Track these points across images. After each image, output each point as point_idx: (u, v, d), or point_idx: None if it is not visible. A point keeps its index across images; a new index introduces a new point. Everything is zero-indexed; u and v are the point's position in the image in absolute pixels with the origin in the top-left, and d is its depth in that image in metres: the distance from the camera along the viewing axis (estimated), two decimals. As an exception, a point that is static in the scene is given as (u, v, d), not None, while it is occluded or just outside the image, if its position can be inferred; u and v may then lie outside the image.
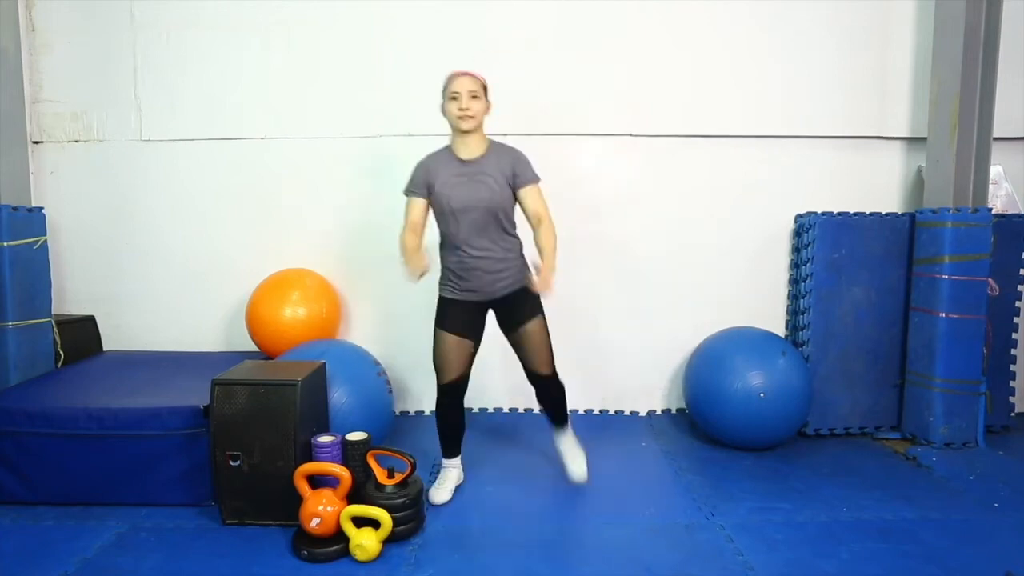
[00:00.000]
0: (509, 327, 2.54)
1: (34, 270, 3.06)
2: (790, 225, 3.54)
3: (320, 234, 3.55)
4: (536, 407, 3.62)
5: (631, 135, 3.48)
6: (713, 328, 3.38)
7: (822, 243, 3.26)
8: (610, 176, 3.52)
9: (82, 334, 3.39)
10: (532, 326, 2.50)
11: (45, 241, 3.14)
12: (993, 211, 3.09)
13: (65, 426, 2.47)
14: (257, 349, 3.32)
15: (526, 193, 2.45)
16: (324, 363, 2.64)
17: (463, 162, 2.43)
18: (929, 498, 2.63)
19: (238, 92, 3.49)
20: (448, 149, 2.50)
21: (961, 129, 3.11)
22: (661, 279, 3.53)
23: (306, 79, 3.48)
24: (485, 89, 2.45)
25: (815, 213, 3.31)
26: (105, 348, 3.51)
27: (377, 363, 3.01)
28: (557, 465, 2.91)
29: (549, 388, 2.61)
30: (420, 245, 2.45)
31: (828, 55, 3.46)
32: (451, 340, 2.49)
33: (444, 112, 2.46)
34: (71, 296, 3.58)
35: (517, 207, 2.50)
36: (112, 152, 3.53)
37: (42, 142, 3.53)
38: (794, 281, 3.50)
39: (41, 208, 3.17)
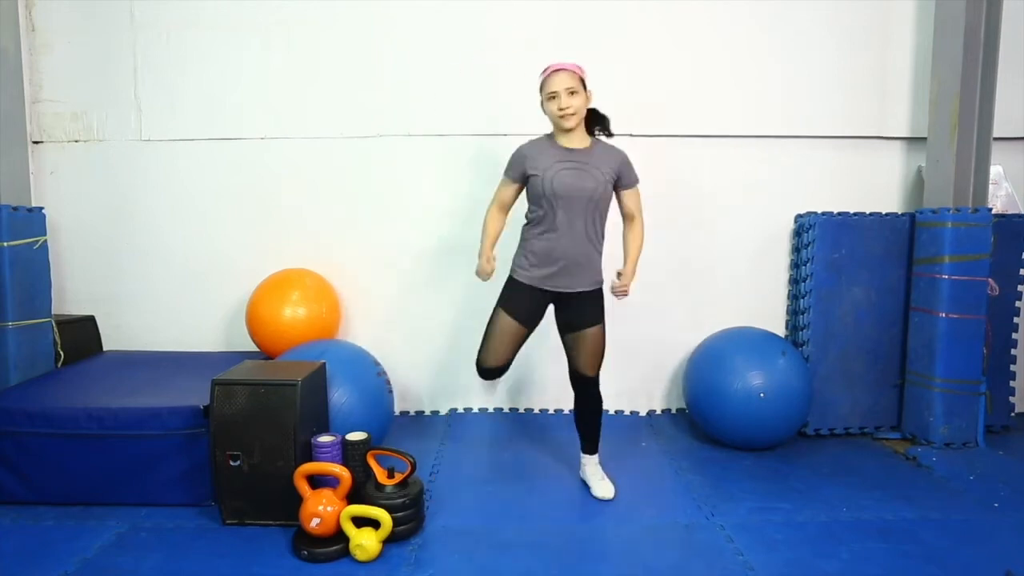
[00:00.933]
0: (569, 328, 2.53)
1: (34, 270, 3.06)
2: (790, 225, 3.54)
3: (320, 234, 3.54)
4: (536, 407, 3.64)
5: (631, 135, 3.47)
6: (713, 328, 3.38)
7: (822, 243, 3.26)
8: (610, 176, 3.52)
9: (82, 334, 3.39)
10: (593, 332, 2.50)
11: (45, 241, 3.14)
12: (993, 211, 3.09)
13: (65, 426, 2.47)
14: (257, 349, 3.32)
15: (629, 194, 2.53)
16: (324, 363, 2.64)
17: (570, 150, 2.43)
18: (929, 498, 2.63)
19: (238, 92, 3.49)
20: (550, 138, 2.49)
21: (961, 129, 3.11)
22: (661, 279, 3.53)
23: (306, 79, 3.48)
24: (583, 82, 2.42)
25: (815, 213, 3.31)
26: (105, 348, 3.51)
27: (377, 363, 3.01)
28: (557, 465, 2.92)
29: (591, 393, 2.59)
30: (498, 235, 2.54)
31: (828, 55, 3.46)
32: (509, 324, 2.46)
33: (544, 110, 2.45)
34: (71, 296, 3.58)
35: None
36: (112, 152, 3.53)
37: (42, 142, 3.53)
38: (794, 281, 3.50)
39: (41, 208, 3.17)
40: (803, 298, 3.35)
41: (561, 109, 2.36)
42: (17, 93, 3.24)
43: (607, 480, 2.65)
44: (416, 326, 3.57)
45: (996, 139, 3.19)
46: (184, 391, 2.62)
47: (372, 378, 2.90)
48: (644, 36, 3.45)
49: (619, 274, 2.55)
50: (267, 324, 3.17)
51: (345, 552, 2.14)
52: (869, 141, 3.53)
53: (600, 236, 2.49)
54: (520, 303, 2.47)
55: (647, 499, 2.60)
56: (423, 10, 3.43)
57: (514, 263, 2.53)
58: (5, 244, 2.90)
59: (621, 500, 2.59)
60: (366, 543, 2.10)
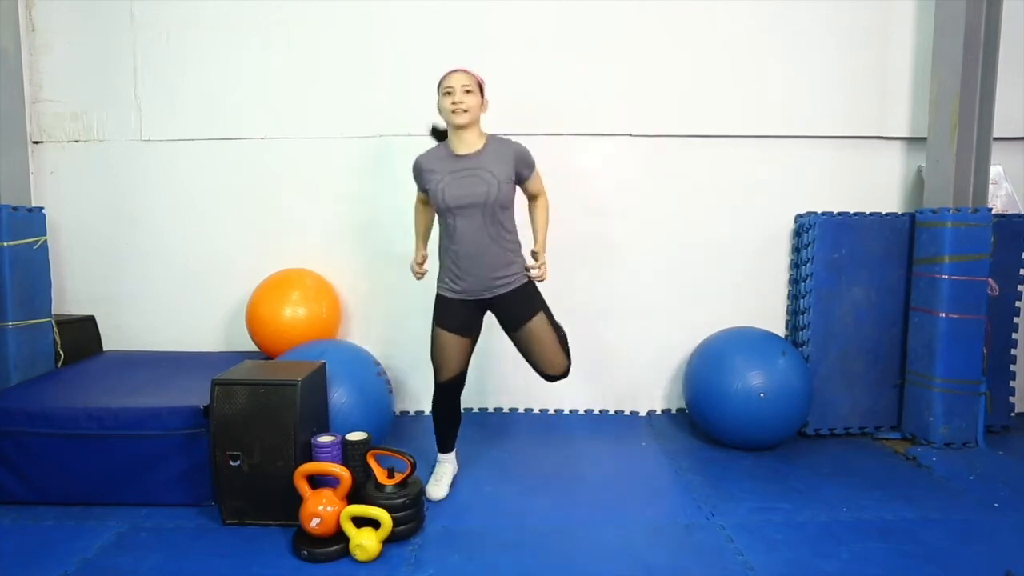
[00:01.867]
0: (511, 327, 2.51)
1: (34, 270, 3.06)
2: (790, 225, 3.54)
3: (320, 234, 3.55)
4: (536, 407, 3.64)
5: (631, 135, 3.48)
6: (713, 328, 3.38)
7: (822, 243, 3.26)
8: (610, 176, 3.52)
9: (82, 334, 3.39)
10: (535, 324, 2.47)
11: (45, 241, 3.14)
12: (993, 211, 3.09)
13: (65, 426, 2.47)
14: (257, 349, 3.32)
15: (530, 182, 2.52)
16: (324, 363, 2.64)
17: (459, 157, 2.42)
18: (929, 498, 2.63)
19: (238, 92, 3.49)
20: (444, 146, 2.49)
21: (961, 129, 3.11)
22: (661, 279, 3.53)
23: (306, 79, 3.48)
24: (481, 86, 2.44)
25: (815, 213, 3.31)
26: (105, 348, 3.51)
27: (377, 363, 3.01)
28: (557, 465, 2.91)
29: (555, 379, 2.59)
30: (427, 229, 2.64)
31: (828, 55, 3.46)
32: (449, 338, 2.48)
33: (439, 109, 2.45)
34: (71, 296, 3.58)
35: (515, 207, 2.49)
36: (112, 152, 3.53)
37: (42, 142, 3.53)
38: (794, 281, 3.50)
39: (41, 208, 3.17)
40: (803, 298, 3.35)
41: (454, 103, 2.36)
42: (17, 93, 3.24)
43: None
44: (416, 326, 3.55)
45: (996, 139, 3.19)
46: (184, 391, 2.62)
47: (372, 378, 2.90)
48: (644, 36, 3.45)
49: (533, 254, 2.52)
50: (267, 324, 3.17)
51: (345, 552, 2.14)
52: (869, 141, 3.52)
53: (507, 234, 2.45)
54: (453, 317, 2.48)
55: (647, 499, 2.61)
56: (423, 10, 3.43)
57: (438, 279, 2.54)
58: (5, 244, 2.90)
59: (621, 500, 2.59)
60: (366, 543, 2.10)
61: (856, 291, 3.29)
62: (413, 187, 3.66)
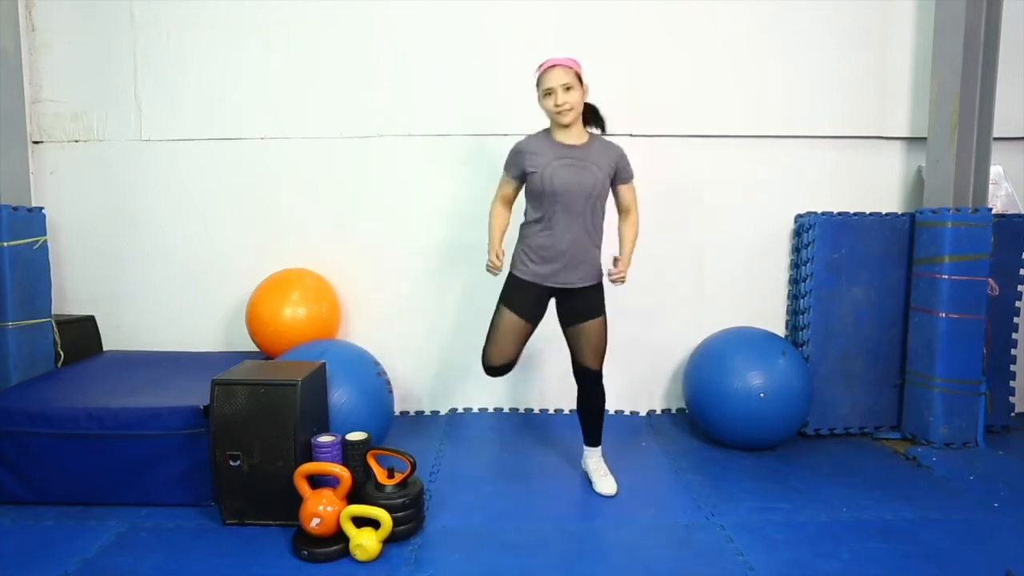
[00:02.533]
0: (571, 321, 2.54)
1: (34, 270, 3.06)
2: (790, 225, 3.54)
3: (320, 234, 3.54)
4: (536, 407, 3.64)
5: (631, 135, 3.47)
6: (713, 328, 3.38)
7: (822, 243, 3.26)
8: (610, 176, 3.52)
9: (82, 334, 3.39)
10: (594, 324, 2.53)
11: (45, 241, 3.14)
12: (993, 211, 3.09)
13: (65, 426, 2.47)
14: (257, 349, 3.32)
15: (625, 189, 2.57)
16: (324, 363, 2.64)
17: (567, 147, 2.43)
18: (929, 498, 2.63)
19: (238, 92, 3.49)
20: (547, 134, 2.49)
21: (961, 129, 3.11)
22: (661, 279, 3.53)
23: (306, 79, 3.48)
24: (579, 76, 2.42)
25: (815, 213, 3.31)
26: (105, 348, 3.50)
27: (377, 363, 3.01)
28: (557, 465, 2.92)
29: (595, 387, 2.60)
30: (505, 229, 2.59)
31: (828, 55, 3.46)
32: (512, 320, 2.48)
33: (541, 106, 2.45)
34: (71, 296, 3.58)
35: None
36: (112, 152, 3.53)
37: (42, 142, 3.53)
38: (794, 281, 3.50)
39: (41, 208, 3.16)
40: (803, 298, 3.35)
41: (558, 106, 2.36)
42: (17, 93, 3.24)
43: (610, 476, 2.65)
44: (416, 326, 3.58)
45: (996, 139, 3.19)
46: (184, 391, 2.62)
47: (372, 378, 2.90)
48: (644, 36, 3.45)
49: (615, 260, 2.56)
50: (267, 324, 3.17)
51: (345, 552, 2.13)
52: (869, 141, 3.52)
53: (598, 230, 2.50)
54: (522, 299, 2.49)
55: (647, 499, 2.60)
56: (423, 10, 3.43)
57: (514, 260, 2.55)
58: (5, 244, 2.90)
59: (621, 500, 2.59)
60: (366, 543, 2.10)
61: (856, 291, 3.28)
62: (415, 187, 3.66)
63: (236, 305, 3.53)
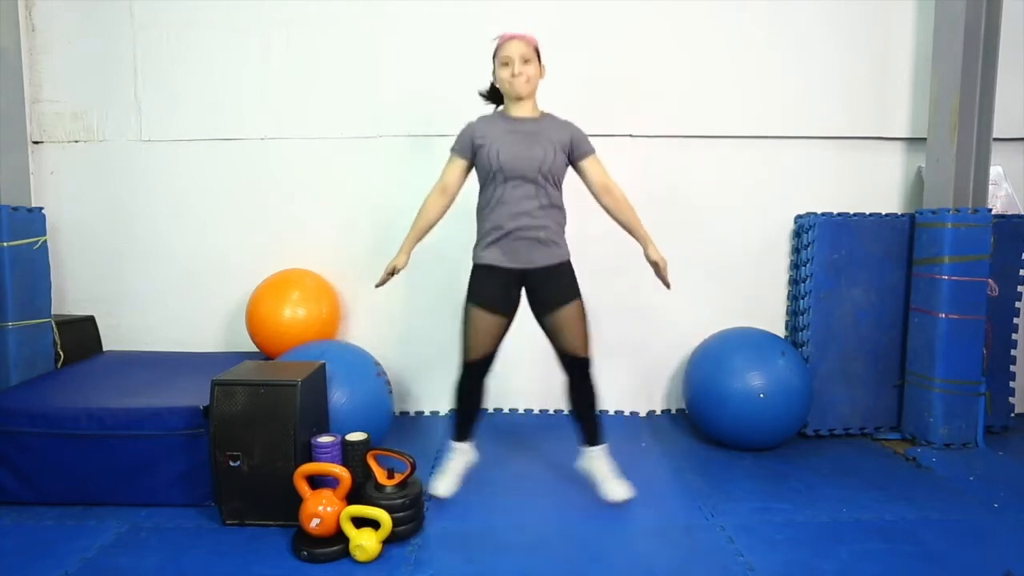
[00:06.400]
0: (545, 310, 2.42)
1: (34, 270, 3.06)
2: (790, 225, 3.54)
3: (320, 234, 3.54)
4: (536, 406, 3.64)
5: (631, 135, 3.47)
6: (713, 328, 3.38)
7: (822, 243, 3.26)
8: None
9: (82, 334, 3.39)
10: (571, 308, 2.40)
11: (45, 241, 3.14)
12: (993, 211, 3.09)
13: (65, 426, 2.47)
14: (257, 349, 3.32)
15: (588, 164, 2.43)
16: (324, 363, 2.64)
17: (518, 119, 2.39)
18: (929, 498, 2.63)
19: (238, 92, 3.49)
20: (499, 112, 2.46)
21: (961, 129, 3.11)
22: (661, 279, 3.53)
23: (306, 79, 3.48)
24: (538, 53, 2.39)
25: (815, 213, 3.31)
26: (105, 348, 3.50)
27: (377, 363, 3.01)
28: (557, 465, 2.91)
29: (585, 377, 2.44)
30: (430, 226, 2.48)
31: (828, 55, 3.46)
32: (482, 316, 2.38)
33: (495, 79, 2.41)
34: (71, 296, 3.58)
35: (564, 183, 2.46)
36: (112, 152, 3.53)
37: (42, 142, 3.53)
38: (794, 281, 3.50)
39: (41, 208, 3.16)
40: (803, 298, 3.35)
41: (514, 75, 2.33)
42: (17, 93, 3.24)
43: (620, 479, 2.50)
44: (416, 326, 3.57)
45: (996, 139, 3.19)
46: (184, 391, 2.61)
47: (372, 378, 2.90)
48: (644, 36, 3.45)
49: (646, 256, 2.47)
50: (267, 324, 3.17)
51: (345, 552, 2.13)
52: (869, 141, 3.52)
53: (557, 209, 2.41)
54: (488, 290, 2.39)
55: (647, 499, 2.60)
56: (423, 10, 3.43)
57: (475, 252, 2.46)
58: (5, 244, 2.90)
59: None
60: (366, 543, 2.10)
61: (856, 292, 3.28)
62: (415, 187, 3.64)
63: (236, 305, 3.53)
